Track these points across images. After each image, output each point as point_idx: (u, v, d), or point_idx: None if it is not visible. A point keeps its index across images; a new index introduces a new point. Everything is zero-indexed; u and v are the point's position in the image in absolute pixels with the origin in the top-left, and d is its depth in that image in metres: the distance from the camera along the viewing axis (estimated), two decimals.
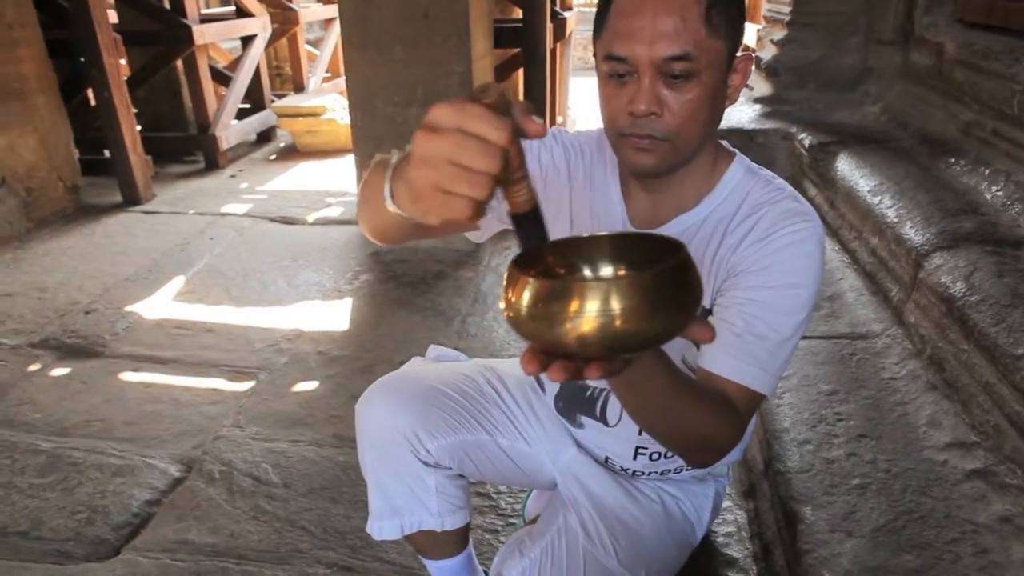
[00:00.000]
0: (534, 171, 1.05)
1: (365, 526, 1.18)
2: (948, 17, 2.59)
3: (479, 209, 0.54)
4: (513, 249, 3.15)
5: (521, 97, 4.25)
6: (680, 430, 0.82)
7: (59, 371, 2.33)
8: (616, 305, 0.49)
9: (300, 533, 1.63)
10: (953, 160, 2.21)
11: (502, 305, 0.55)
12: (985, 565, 1.14)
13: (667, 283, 0.51)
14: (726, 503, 1.63)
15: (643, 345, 0.53)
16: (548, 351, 0.54)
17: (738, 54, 0.89)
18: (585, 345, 0.51)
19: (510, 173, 0.55)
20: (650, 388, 0.72)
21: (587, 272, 0.65)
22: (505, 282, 0.55)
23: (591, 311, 0.49)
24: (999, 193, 1.92)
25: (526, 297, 0.52)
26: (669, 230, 0.98)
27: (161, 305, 2.79)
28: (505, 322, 0.57)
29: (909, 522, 1.24)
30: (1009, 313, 1.41)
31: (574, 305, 0.50)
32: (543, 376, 0.55)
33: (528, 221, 0.59)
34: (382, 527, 1.16)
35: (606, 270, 0.64)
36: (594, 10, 0.92)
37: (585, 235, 0.65)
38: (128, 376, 2.30)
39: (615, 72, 0.85)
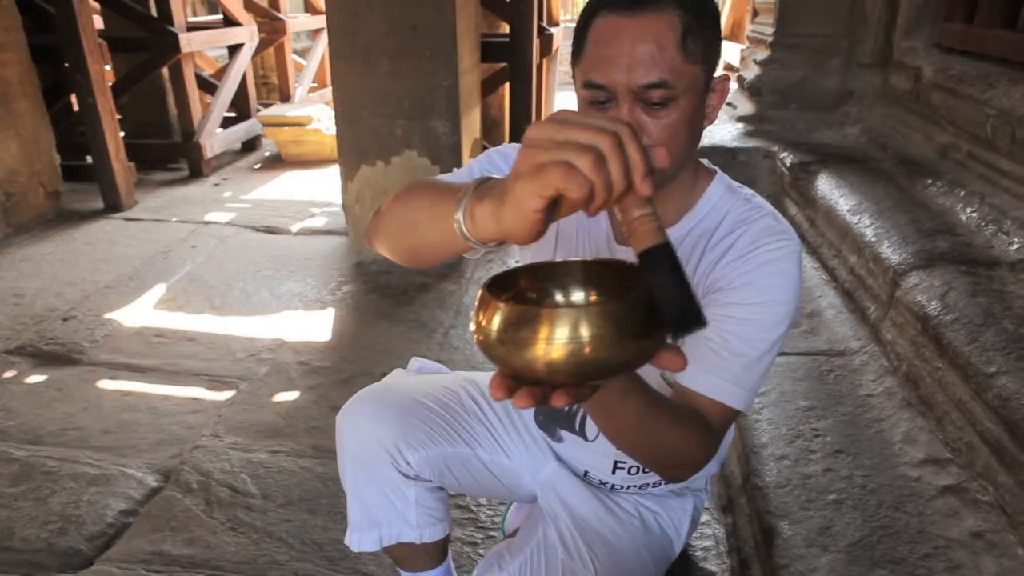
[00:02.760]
0: None
1: (343, 538, 1.17)
2: (926, 42, 2.65)
3: (601, 172, 0.52)
4: (496, 265, 3.16)
5: (507, 112, 4.28)
6: (653, 448, 0.83)
7: (35, 378, 2.30)
8: (585, 332, 0.49)
9: (278, 544, 1.61)
10: (930, 181, 2.25)
11: (472, 327, 0.55)
12: None
13: (637, 311, 0.51)
14: (704, 517, 1.64)
15: (612, 372, 0.53)
16: (516, 376, 0.53)
17: (716, 75, 0.91)
18: (554, 371, 0.50)
19: (631, 184, 0.52)
20: (622, 410, 0.72)
21: (559, 297, 0.64)
22: (476, 305, 0.55)
23: (560, 338, 0.49)
24: (974, 214, 1.96)
25: (496, 321, 0.52)
26: None
27: (141, 313, 2.77)
28: None
29: (884, 537, 1.26)
30: (982, 332, 1.44)
31: (543, 331, 0.49)
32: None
33: (663, 261, 0.52)
34: (361, 539, 1.15)
35: (578, 295, 0.64)
36: None
37: (558, 260, 0.65)
38: (106, 384, 2.27)
39: (594, 99, 0.87)
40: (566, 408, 1.12)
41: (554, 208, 0.55)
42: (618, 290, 0.61)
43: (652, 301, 0.53)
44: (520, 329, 0.50)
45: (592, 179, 0.52)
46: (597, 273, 0.64)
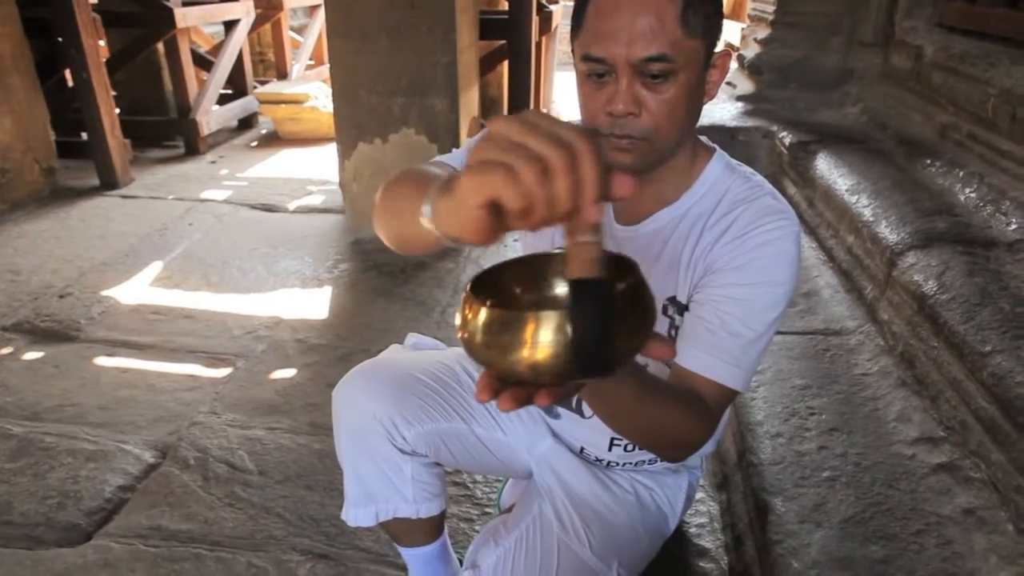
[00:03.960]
0: None
1: (340, 513, 1.18)
2: (927, 21, 2.63)
3: (544, 185, 0.47)
4: (492, 249, 3.12)
5: (506, 90, 4.25)
6: (651, 430, 0.83)
7: (32, 355, 2.30)
8: (569, 334, 0.48)
9: (275, 520, 1.62)
10: (929, 161, 2.24)
11: (457, 324, 0.55)
12: (948, 556, 1.17)
13: (620, 308, 0.51)
14: (699, 494, 1.66)
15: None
16: (500, 378, 0.53)
17: (716, 50, 0.90)
18: (538, 374, 0.50)
19: (579, 205, 0.48)
20: (618, 395, 0.72)
21: (546, 292, 0.64)
22: (461, 305, 0.54)
23: (544, 341, 0.48)
24: (972, 195, 1.96)
25: (479, 324, 0.52)
26: (650, 224, 0.99)
27: (138, 290, 2.76)
28: None
29: (876, 514, 1.27)
30: (978, 312, 1.44)
31: (527, 335, 0.49)
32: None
33: (593, 294, 0.49)
34: (357, 514, 1.16)
35: (562, 289, 0.64)
36: None
37: (541, 253, 0.65)
38: (103, 361, 2.27)
39: (593, 72, 0.86)
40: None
41: (502, 216, 0.50)
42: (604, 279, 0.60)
43: (636, 295, 0.52)
44: (503, 333, 0.50)
45: (532, 191, 0.47)
46: None
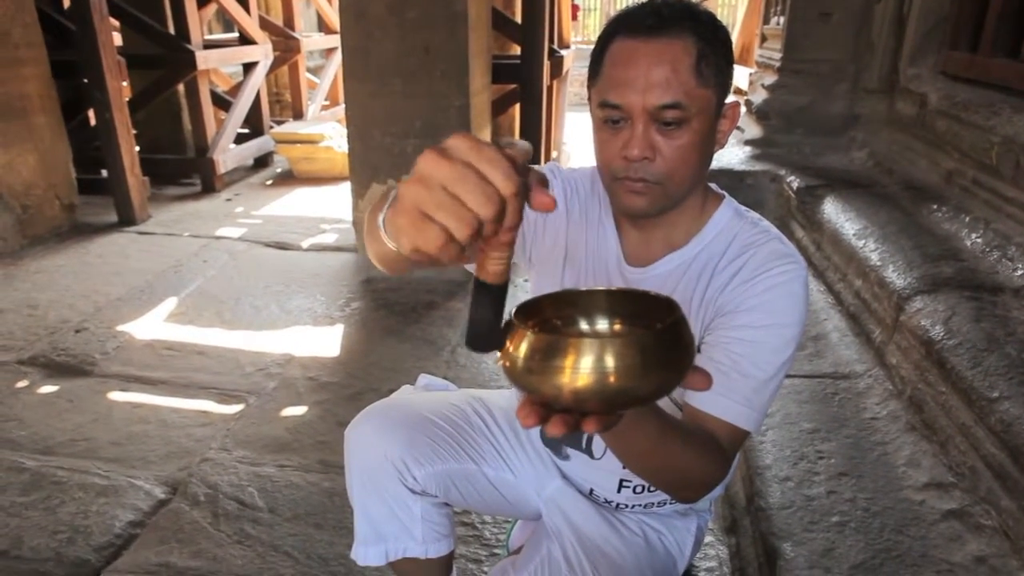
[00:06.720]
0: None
1: (349, 552, 1.18)
2: (931, 69, 2.68)
3: (451, 248, 0.51)
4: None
5: (518, 132, 4.33)
6: (666, 470, 0.84)
7: (47, 389, 2.33)
8: (611, 362, 0.50)
9: (283, 558, 1.62)
10: (935, 206, 2.27)
11: (498, 354, 0.56)
12: None
13: (663, 342, 0.53)
14: (708, 538, 1.65)
15: (637, 401, 0.54)
16: (543, 404, 0.54)
17: (727, 101, 0.93)
18: (581, 400, 0.52)
19: (498, 233, 0.53)
20: (636, 434, 0.73)
21: (584, 326, 0.65)
22: (503, 332, 0.56)
23: (588, 367, 0.50)
24: (978, 240, 1.97)
25: (523, 349, 0.53)
26: (660, 267, 1.02)
27: (152, 326, 2.80)
28: (495, 356, 0.58)
29: (887, 560, 1.26)
30: (985, 357, 1.45)
31: (570, 360, 0.50)
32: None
33: (491, 296, 0.57)
34: (367, 553, 1.16)
35: (602, 324, 0.66)
36: (591, 47, 0.96)
37: (582, 289, 0.67)
38: (116, 396, 2.30)
39: (610, 118, 0.90)
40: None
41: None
42: (643, 319, 0.62)
43: (678, 332, 0.54)
44: (547, 358, 0.52)
45: (463, 242, 0.51)
46: (622, 302, 0.66)
